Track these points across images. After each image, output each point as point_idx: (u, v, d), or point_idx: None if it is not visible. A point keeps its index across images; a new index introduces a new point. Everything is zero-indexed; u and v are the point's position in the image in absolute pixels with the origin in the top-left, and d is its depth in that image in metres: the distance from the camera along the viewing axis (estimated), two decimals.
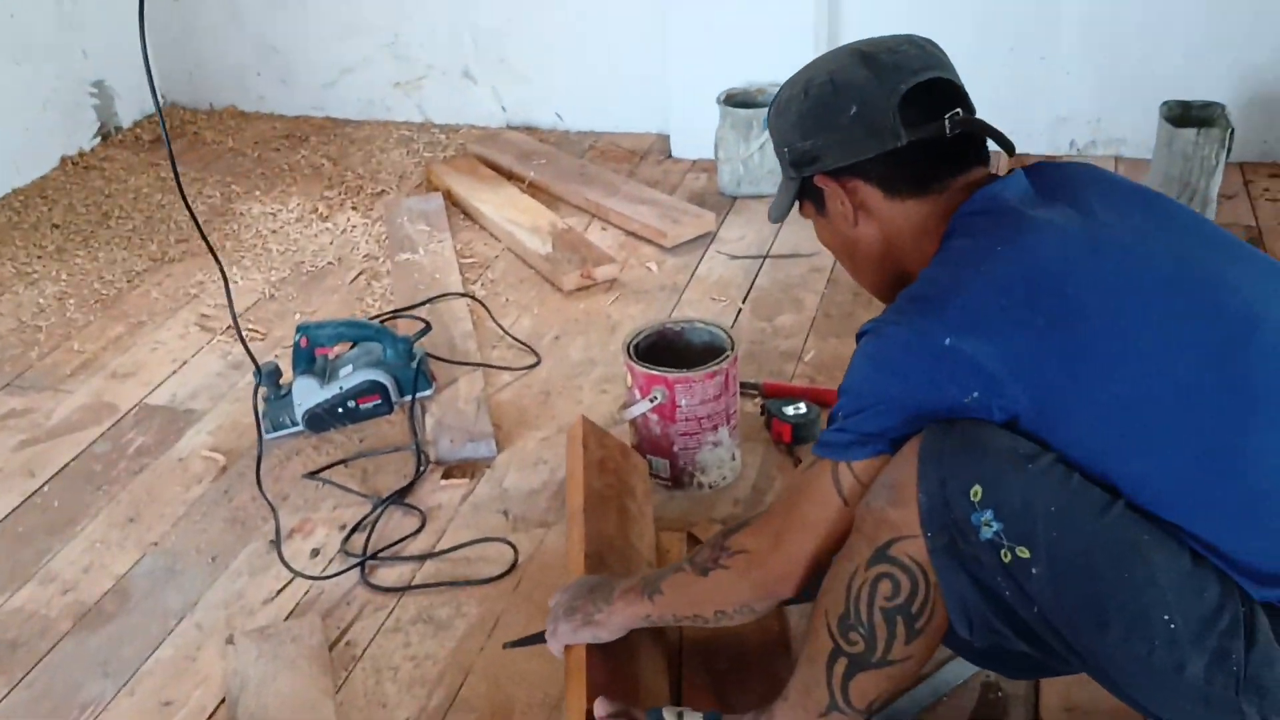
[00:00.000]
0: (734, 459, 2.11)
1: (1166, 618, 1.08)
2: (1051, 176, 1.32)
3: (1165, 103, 2.87)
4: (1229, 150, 2.75)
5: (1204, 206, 2.77)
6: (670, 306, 2.69)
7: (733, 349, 2.04)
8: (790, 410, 2.17)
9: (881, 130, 1.30)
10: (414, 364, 2.27)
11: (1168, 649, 1.09)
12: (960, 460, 1.16)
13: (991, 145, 1.35)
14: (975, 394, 1.17)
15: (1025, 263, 1.20)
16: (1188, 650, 1.08)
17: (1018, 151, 1.34)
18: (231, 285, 2.83)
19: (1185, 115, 2.85)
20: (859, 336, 1.27)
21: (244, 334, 2.61)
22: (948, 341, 1.17)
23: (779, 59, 3.24)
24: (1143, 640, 1.10)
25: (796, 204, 1.46)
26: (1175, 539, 1.11)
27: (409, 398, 2.26)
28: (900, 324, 1.22)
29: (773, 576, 1.34)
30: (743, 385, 2.29)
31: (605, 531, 1.76)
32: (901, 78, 1.30)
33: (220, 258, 2.87)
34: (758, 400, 2.29)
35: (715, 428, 2.04)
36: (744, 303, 2.69)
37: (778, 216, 1.48)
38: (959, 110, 1.31)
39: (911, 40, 1.36)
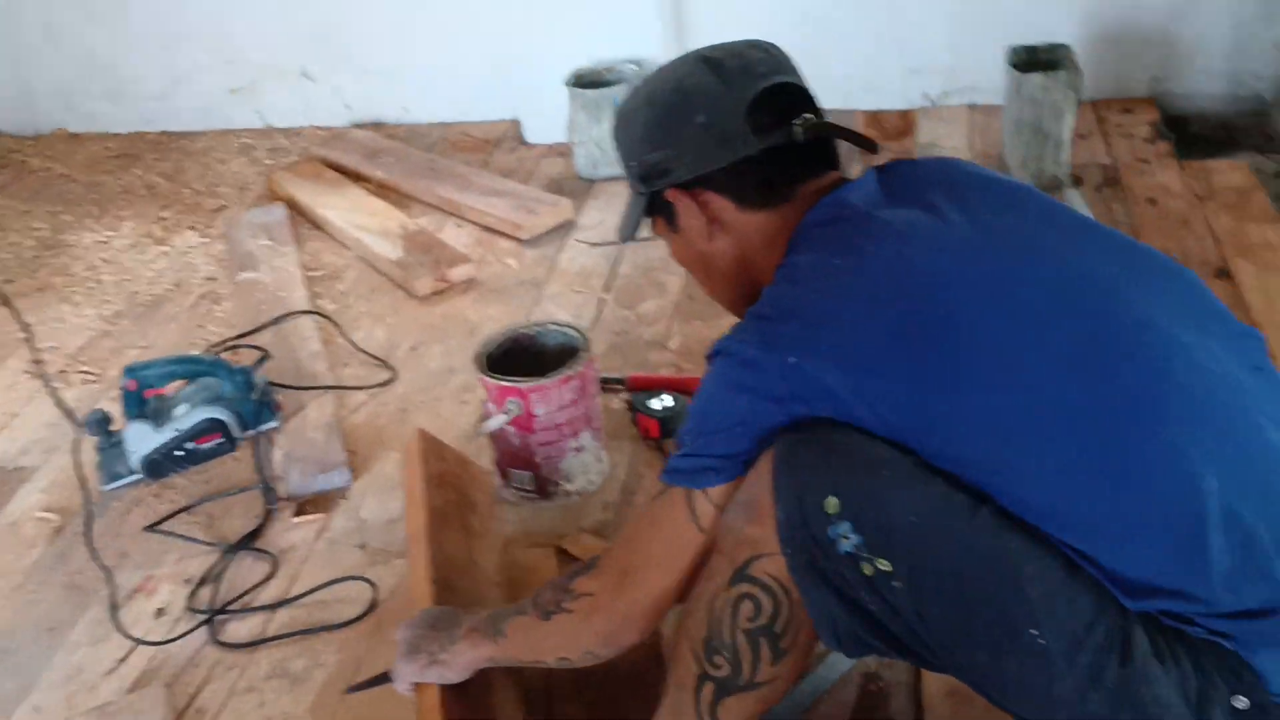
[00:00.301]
0: (600, 462, 2.02)
1: (1035, 632, 1.01)
2: (905, 175, 1.25)
3: (1012, 48, 2.83)
4: (1078, 91, 2.73)
5: (1058, 149, 2.74)
6: (531, 303, 2.59)
7: (587, 350, 1.95)
8: (656, 404, 2.09)
9: (732, 138, 1.23)
10: (255, 395, 2.13)
11: (1038, 666, 1.02)
12: (815, 471, 1.10)
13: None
14: (823, 414, 1.11)
15: (869, 273, 1.13)
16: (1059, 667, 1.01)
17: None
18: (62, 324, 2.68)
19: (1032, 60, 2.82)
20: (708, 358, 1.20)
21: (78, 376, 2.47)
22: (791, 360, 1.11)
23: (626, 35, 3.16)
24: (1011, 656, 1.03)
25: (646, 221, 1.38)
26: (1047, 546, 1.03)
27: (252, 432, 2.12)
28: (745, 342, 1.16)
29: (617, 622, 1.25)
30: (607, 380, 2.21)
31: (450, 553, 1.65)
32: (749, 83, 1.24)
33: (44, 298, 2.73)
34: (623, 395, 2.21)
35: (576, 433, 1.95)
36: (606, 292, 2.60)
37: (626, 236, 1.39)
38: (808, 115, 1.25)
39: (756, 45, 1.29)
